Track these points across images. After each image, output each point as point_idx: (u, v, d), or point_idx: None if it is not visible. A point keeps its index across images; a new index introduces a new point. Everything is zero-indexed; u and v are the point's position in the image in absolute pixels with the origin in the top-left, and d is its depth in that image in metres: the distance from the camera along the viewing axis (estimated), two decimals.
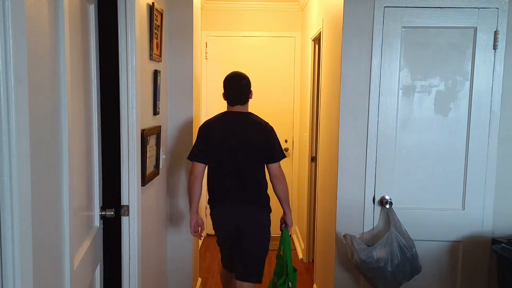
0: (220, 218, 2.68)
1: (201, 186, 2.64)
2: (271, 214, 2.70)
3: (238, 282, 2.62)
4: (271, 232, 2.73)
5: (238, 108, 2.66)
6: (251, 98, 2.71)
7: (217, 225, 2.72)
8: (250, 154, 2.58)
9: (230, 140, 2.58)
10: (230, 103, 2.68)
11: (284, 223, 2.75)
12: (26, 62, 1.00)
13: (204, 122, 2.72)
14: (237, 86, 2.66)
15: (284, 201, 2.68)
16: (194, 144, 2.69)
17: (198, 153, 2.61)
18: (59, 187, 1.30)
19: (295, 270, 2.71)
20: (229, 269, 2.82)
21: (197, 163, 2.60)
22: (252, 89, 2.69)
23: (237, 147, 2.57)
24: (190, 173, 2.62)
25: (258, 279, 2.64)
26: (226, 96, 2.69)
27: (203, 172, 2.62)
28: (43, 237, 1.15)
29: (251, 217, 2.62)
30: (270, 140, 2.61)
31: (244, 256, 2.64)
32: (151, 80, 2.46)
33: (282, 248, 2.74)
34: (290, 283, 2.65)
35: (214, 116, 2.72)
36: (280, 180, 2.62)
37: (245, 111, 2.68)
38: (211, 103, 4.80)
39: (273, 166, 2.61)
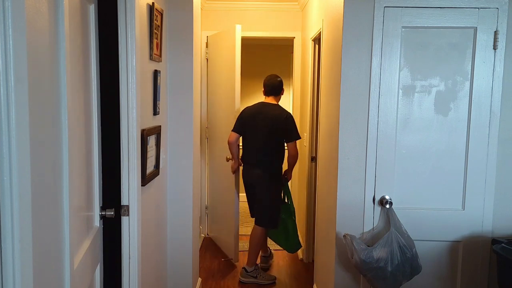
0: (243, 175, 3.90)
1: (238, 147, 3.81)
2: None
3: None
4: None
5: (270, 99, 3.80)
6: (282, 94, 3.88)
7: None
8: (264, 132, 3.68)
9: (255, 122, 3.70)
10: (265, 94, 3.85)
11: (285, 176, 3.95)
12: (26, 62, 1.00)
13: (244, 108, 3.84)
14: (271, 82, 3.81)
15: (290, 166, 3.86)
16: (235, 121, 3.80)
17: (235, 126, 3.76)
18: (59, 187, 1.30)
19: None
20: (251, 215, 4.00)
21: (233, 132, 3.74)
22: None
23: (257, 127, 3.69)
24: (228, 140, 3.77)
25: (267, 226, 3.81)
26: (263, 89, 3.85)
27: (237, 139, 3.76)
28: (43, 237, 1.15)
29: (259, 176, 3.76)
30: (286, 126, 3.67)
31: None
32: (151, 80, 2.46)
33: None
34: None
35: (250, 105, 3.85)
36: (291, 155, 3.74)
37: (275, 102, 3.80)
38: (211, 103, 4.79)
39: (289, 144, 3.71)
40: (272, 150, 3.72)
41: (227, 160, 4.08)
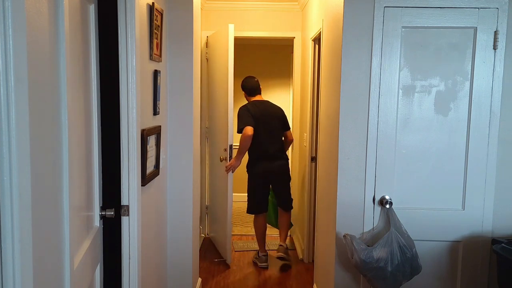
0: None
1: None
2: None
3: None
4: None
5: (259, 97, 4.13)
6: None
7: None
8: (277, 125, 4.04)
9: (265, 117, 3.97)
10: (251, 94, 4.13)
11: None
12: (26, 62, 1.00)
13: (244, 106, 4.01)
14: (253, 83, 4.14)
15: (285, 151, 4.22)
16: (242, 118, 3.91)
17: (249, 121, 3.87)
18: (59, 187, 1.30)
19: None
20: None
21: (250, 126, 3.85)
22: None
23: (269, 121, 3.98)
24: (246, 133, 3.82)
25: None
26: (248, 91, 4.14)
27: (253, 132, 3.87)
28: (43, 237, 1.15)
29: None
30: (286, 118, 4.16)
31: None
32: (151, 80, 2.46)
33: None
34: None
35: (247, 103, 4.07)
36: (291, 140, 4.27)
37: (264, 99, 4.16)
38: (211, 103, 4.79)
39: (288, 132, 4.18)
40: (282, 142, 4.14)
41: (221, 160, 4.09)
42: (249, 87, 4.13)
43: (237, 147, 3.97)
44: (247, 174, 4.15)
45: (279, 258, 4.03)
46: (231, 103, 3.99)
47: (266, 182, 4.07)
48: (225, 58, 4.02)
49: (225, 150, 4.06)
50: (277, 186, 4.11)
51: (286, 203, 4.17)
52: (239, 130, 3.91)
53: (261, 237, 4.12)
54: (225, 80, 4.03)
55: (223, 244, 4.27)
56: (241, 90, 4.22)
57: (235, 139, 4.06)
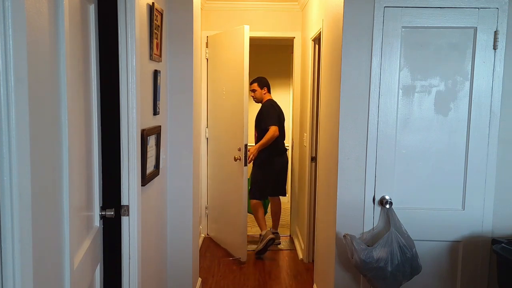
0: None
1: None
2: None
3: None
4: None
5: (271, 96, 4.62)
6: None
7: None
8: (283, 123, 4.57)
9: (283, 116, 4.56)
10: (269, 91, 4.60)
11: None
12: (26, 62, 1.00)
13: (269, 104, 4.48)
14: (268, 82, 4.62)
15: None
16: (273, 117, 4.39)
17: (276, 121, 4.39)
18: (59, 187, 1.30)
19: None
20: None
21: (276, 126, 4.37)
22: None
23: (282, 119, 4.53)
24: (276, 133, 4.33)
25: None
26: (268, 88, 4.59)
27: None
28: (43, 237, 1.15)
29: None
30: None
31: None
32: (151, 80, 2.46)
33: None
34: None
35: (269, 101, 4.53)
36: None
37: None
38: (211, 103, 4.80)
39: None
40: None
41: (235, 159, 4.11)
42: (268, 84, 4.59)
43: (251, 145, 4.26)
44: (262, 164, 4.46)
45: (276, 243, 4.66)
46: (247, 103, 4.00)
47: (278, 172, 4.54)
48: (238, 59, 4.02)
49: (239, 149, 4.07)
50: (284, 174, 4.65)
51: (283, 189, 4.73)
52: (266, 128, 4.35)
53: (263, 219, 4.52)
54: (238, 80, 4.03)
55: (235, 243, 4.27)
56: (260, 87, 4.54)
57: (250, 139, 4.23)
